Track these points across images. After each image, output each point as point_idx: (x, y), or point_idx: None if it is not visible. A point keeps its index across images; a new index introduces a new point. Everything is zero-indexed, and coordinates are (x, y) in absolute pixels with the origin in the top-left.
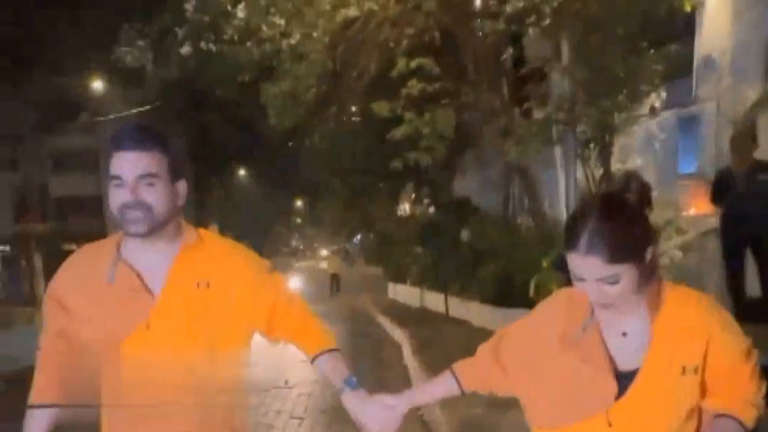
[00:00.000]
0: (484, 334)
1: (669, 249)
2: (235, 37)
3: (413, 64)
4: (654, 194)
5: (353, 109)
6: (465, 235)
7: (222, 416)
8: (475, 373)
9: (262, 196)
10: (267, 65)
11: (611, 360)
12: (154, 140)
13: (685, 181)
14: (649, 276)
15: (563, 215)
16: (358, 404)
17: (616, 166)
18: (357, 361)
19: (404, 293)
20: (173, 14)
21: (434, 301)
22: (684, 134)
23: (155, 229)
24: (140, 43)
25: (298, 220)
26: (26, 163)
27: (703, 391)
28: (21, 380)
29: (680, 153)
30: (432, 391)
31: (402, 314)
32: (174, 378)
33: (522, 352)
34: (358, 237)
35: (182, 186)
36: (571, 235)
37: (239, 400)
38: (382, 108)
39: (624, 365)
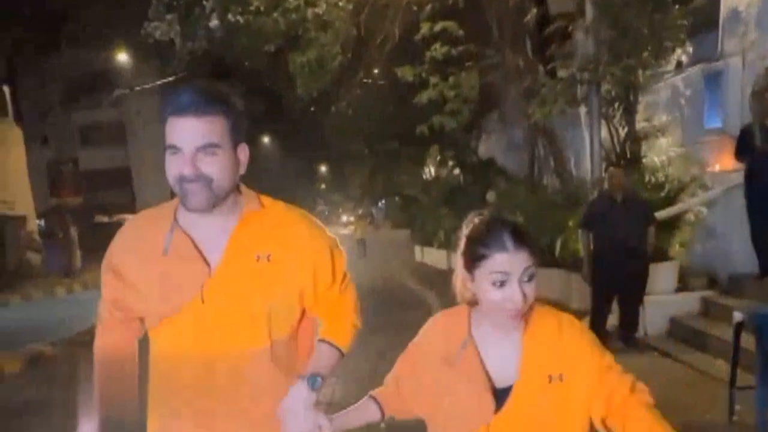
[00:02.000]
0: None
1: (694, 205)
2: (262, 8)
3: (437, 27)
4: (679, 151)
5: (377, 73)
6: (491, 196)
7: (275, 405)
8: (387, 400)
9: (286, 163)
10: (293, 34)
11: (489, 377)
12: (215, 102)
13: (710, 137)
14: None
15: (588, 175)
16: (298, 403)
17: (641, 124)
18: (387, 322)
19: (431, 256)
20: None
21: None
22: (710, 89)
23: (217, 202)
24: (168, 17)
25: (323, 186)
26: (56, 138)
27: (596, 410)
28: (63, 346)
29: (706, 108)
30: (357, 416)
31: (430, 276)
32: (227, 355)
33: (413, 376)
34: (383, 201)
35: (244, 150)
36: (494, 239)
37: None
38: (406, 73)
39: (502, 381)
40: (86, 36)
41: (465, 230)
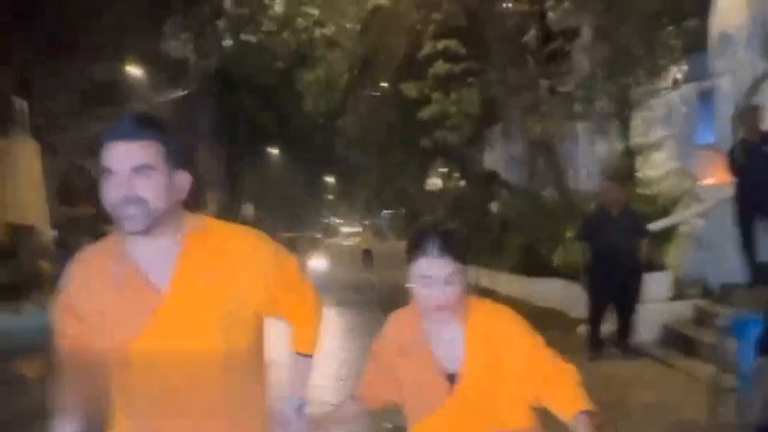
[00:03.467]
0: (511, 303)
1: (687, 217)
2: (273, 28)
3: (440, 45)
4: (675, 165)
5: (383, 89)
6: (494, 207)
7: (241, 416)
8: (364, 395)
9: (294, 175)
10: (302, 53)
11: (440, 364)
12: (149, 129)
13: (703, 151)
14: (464, 288)
15: (586, 187)
16: (289, 425)
17: (637, 139)
18: None
19: None
20: (212, 8)
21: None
22: (702, 106)
23: (153, 225)
24: (183, 36)
25: (330, 197)
26: (68, 149)
27: (528, 386)
28: None
29: (699, 125)
30: (340, 413)
31: None
32: (188, 378)
33: (379, 371)
34: (387, 212)
35: (183, 177)
36: (421, 245)
37: (261, 400)
38: (410, 89)
39: (451, 367)
40: (98, 49)
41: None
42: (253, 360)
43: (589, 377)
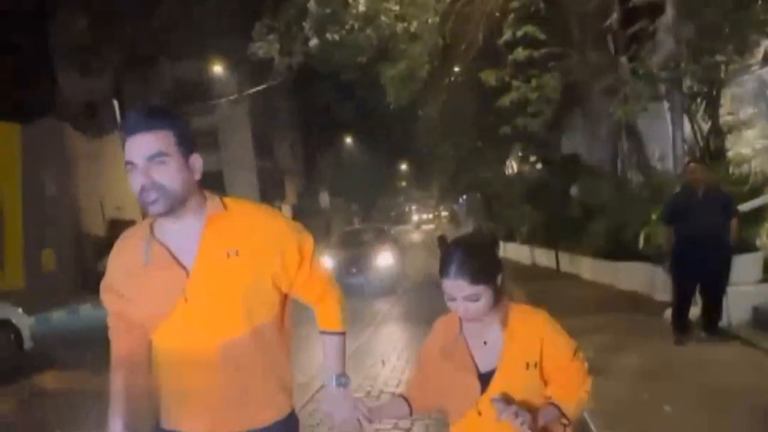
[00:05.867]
0: (595, 287)
1: None
2: (356, 26)
3: (519, 32)
4: (765, 143)
5: (462, 78)
6: (574, 191)
7: (268, 382)
8: (412, 398)
9: (370, 163)
10: (383, 48)
11: (475, 364)
12: (158, 119)
13: None
14: (499, 297)
15: (672, 169)
16: (337, 400)
17: (726, 117)
18: None
19: (515, 251)
20: (297, 9)
21: (545, 257)
22: None
23: (174, 206)
24: (270, 37)
25: (404, 184)
26: None
27: (545, 382)
28: None
29: None
30: (390, 410)
31: (514, 271)
32: (215, 345)
33: (423, 373)
34: (464, 198)
35: (196, 160)
36: (443, 266)
37: (284, 365)
38: (489, 77)
39: (485, 367)
40: (185, 49)
41: None
42: (276, 336)
43: (677, 362)
